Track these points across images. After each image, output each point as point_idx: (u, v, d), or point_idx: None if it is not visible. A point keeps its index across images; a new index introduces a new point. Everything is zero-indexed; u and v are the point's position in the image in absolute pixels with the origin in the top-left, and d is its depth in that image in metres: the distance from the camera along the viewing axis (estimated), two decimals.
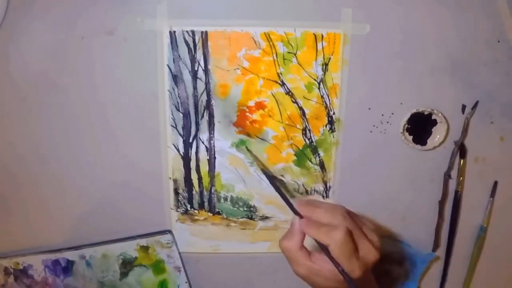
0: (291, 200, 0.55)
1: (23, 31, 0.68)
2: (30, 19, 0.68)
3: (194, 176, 0.75)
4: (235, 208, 0.77)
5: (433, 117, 0.73)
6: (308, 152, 0.75)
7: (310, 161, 0.75)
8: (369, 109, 0.73)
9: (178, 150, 0.73)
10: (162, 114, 0.72)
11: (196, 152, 0.74)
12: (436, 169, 0.77)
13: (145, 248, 0.77)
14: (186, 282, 0.80)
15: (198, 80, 0.71)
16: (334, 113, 0.73)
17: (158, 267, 0.79)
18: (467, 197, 0.78)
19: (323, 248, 0.49)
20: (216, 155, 0.74)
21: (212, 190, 0.76)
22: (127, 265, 0.79)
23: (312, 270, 0.51)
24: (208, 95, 0.71)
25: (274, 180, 0.61)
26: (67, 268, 0.78)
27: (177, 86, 0.71)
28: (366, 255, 0.50)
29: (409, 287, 0.82)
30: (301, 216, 0.52)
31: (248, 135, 0.73)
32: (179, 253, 0.78)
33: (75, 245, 0.77)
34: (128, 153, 0.73)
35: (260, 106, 0.72)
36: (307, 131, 0.74)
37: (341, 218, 0.50)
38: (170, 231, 0.76)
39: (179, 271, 0.79)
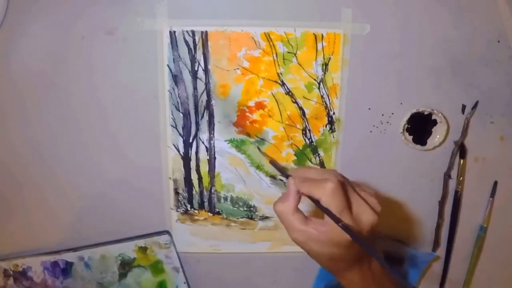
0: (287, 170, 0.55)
1: (23, 31, 0.68)
2: (30, 19, 0.68)
3: (194, 176, 0.75)
4: (235, 208, 0.77)
5: (433, 117, 0.73)
6: (308, 152, 0.75)
7: (310, 161, 0.75)
8: (369, 109, 0.73)
9: (178, 150, 0.73)
10: (162, 114, 0.72)
11: (196, 152, 0.74)
12: (436, 169, 0.77)
13: (143, 249, 0.77)
14: (184, 283, 0.79)
15: (198, 80, 0.71)
16: (334, 113, 0.73)
17: (156, 267, 0.79)
18: (467, 197, 0.79)
19: (316, 203, 0.48)
20: (216, 155, 0.74)
21: (212, 190, 0.75)
22: (126, 266, 0.79)
23: (308, 236, 0.48)
24: (208, 95, 0.71)
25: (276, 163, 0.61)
26: (66, 269, 0.78)
27: (177, 86, 0.71)
28: (361, 213, 0.49)
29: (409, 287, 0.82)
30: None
31: (248, 135, 0.73)
32: (177, 253, 0.77)
33: (74, 247, 0.77)
34: (128, 153, 0.73)
35: (260, 106, 0.72)
36: (307, 131, 0.74)
37: (332, 174, 0.49)
38: (168, 232, 0.76)
39: (178, 272, 0.79)
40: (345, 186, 0.49)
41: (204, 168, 0.75)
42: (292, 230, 0.49)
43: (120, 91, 0.71)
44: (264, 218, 0.77)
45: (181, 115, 0.72)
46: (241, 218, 0.77)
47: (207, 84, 0.71)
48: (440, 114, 0.73)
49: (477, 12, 0.70)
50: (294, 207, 0.49)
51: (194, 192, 0.76)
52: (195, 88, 0.71)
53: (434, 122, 0.74)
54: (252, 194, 0.76)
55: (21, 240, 0.78)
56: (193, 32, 0.69)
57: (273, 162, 0.61)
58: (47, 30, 0.68)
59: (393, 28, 0.70)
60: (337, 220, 0.46)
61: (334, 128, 0.74)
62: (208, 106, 0.72)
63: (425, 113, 0.73)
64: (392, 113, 0.73)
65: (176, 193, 0.76)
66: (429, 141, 0.75)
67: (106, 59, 0.70)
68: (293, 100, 0.72)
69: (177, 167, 0.74)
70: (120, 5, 0.67)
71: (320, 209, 0.48)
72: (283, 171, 0.58)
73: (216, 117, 0.72)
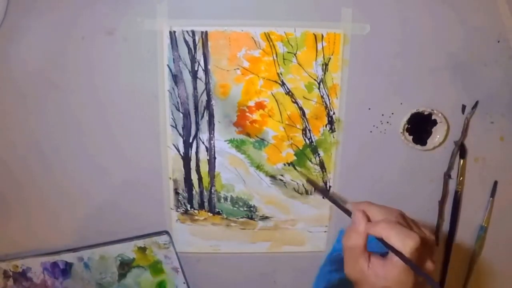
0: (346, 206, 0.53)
1: (23, 31, 0.68)
2: (30, 19, 0.68)
3: (194, 176, 0.75)
4: (235, 208, 0.76)
5: (433, 117, 0.73)
6: (308, 152, 0.75)
7: (310, 161, 0.75)
8: (369, 109, 0.73)
9: (178, 150, 0.73)
10: (162, 114, 0.72)
11: (196, 152, 0.74)
12: (436, 169, 0.77)
13: (142, 249, 0.77)
14: (184, 283, 0.79)
15: (198, 80, 0.71)
16: (334, 113, 0.73)
17: (156, 268, 0.79)
18: (467, 197, 0.79)
19: (391, 248, 0.45)
20: (216, 155, 0.74)
21: (212, 190, 0.75)
22: (125, 266, 0.78)
23: (365, 278, 0.47)
24: (208, 95, 0.71)
25: (327, 192, 0.59)
26: (66, 270, 0.78)
27: (177, 86, 0.71)
28: (427, 267, 0.47)
29: None
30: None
31: (248, 135, 0.73)
32: (177, 253, 0.77)
33: (73, 247, 0.77)
34: (128, 153, 0.73)
35: (260, 106, 0.72)
36: (307, 131, 0.74)
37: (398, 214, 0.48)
38: (167, 232, 0.76)
39: (177, 272, 0.79)
40: (422, 240, 0.46)
41: (204, 168, 0.75)
42: (353, 267, 0.48)
43: (120, 91, 0.71)
44: (264, 218, 0.77)
45: (181, 115, 0.72)
46: (241, 218, 0.77)
47: (207, 84, 0.71)
48: (440, 114, 0.73)
49: (477, 12, 0.70)
50: (364, 246, 0.48)
51: (194, 192, 0.76)
52: (195, 88, 0.71)
53: (434, 122, 0.74)
54: (252, 194, 0.76)
55: (20, 240, 0.78)
56: (193, 32, 0.69)
57: (331, 198, 0.59)
58: (47, 30, 0.68)
59: (393, 28, 0.70)
60: (415, 267, 0.44)
61: (334, 128, 0.74)
62: (208, 106, 0.72)
63: (425, 113, 0.73)
64: (392, 113, 0.74)
65: (176, 193, 0.76)
66: (429, 141, 0.75)
67: (106, 59, 0.70)
68: (293, 100, 0.72)
69: (177, 167, 0.74)
70: (120, 5, 0.68)
71: (394, 253, 0.45)
72: (340, 205, 0.55)
73: (216, 117, 0.72)
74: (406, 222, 0.49)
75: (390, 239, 0.45)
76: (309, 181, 0.61)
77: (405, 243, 0.44)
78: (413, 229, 0.47)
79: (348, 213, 0.52)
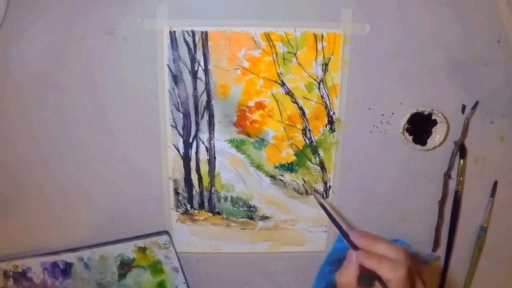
0: (348, 232, 0.57)
1: (23, 31, 0.68)
2: (30, 19, 0.68)
3: (194, 176, 0.75)
4: (235, 208, 0.76)
5: (433, 117, 0.73)
6: (308, 152, 0.75)
7: (310, 161, 0.75)
8: (369, 109, 0.73)
9: (178, 150, 0.73)
10: (162, 114, 0.72)
11: (196, 152, 0.74)
12: (436, 169, 0.77)
13: (142, 249, 0.77)
14: (184, 283, 0.79)
15: (198, 80, 0.71)
16: (334, 113, 0.73)
17: (156, 268, 0.79)
18: (467, 197, 0.79)
19: (381, 282, 0.50)
20: (216, 155, 0.74)
21: (212, 190, 0.75)
22: (125, 266, 0.78)
23: None
24: (208, 95, 0.71)
25: (330, 213, 0.65)
26: (66, 270, 0.78)
27: (177, 86, 0.71)
28: None
29: None
30: (356, 248, 0.53)
31: (248, 135, 0.73)
32: (177, 253, 0.77)
33: (73, 247, 0.77)
34: (128, 153, 0.73)
35: (260, 106, 0.72)
36: (307, 131, 0.74)
37: (403, 255, 0.50)
38: (167, 232, 0.76)
39: (177, 272, 0.79)
40: (412, 271, 0.50)
41: (204, 168, 0.74)
42: None
43: (120, 91, 0.71)
44: (264, 218, 0.77)
45: (181, 115, 0.72)
46: (241, 218, 0.77)
47: (207, 84, 0.71)
48: (440, 114, 0.73)
49: (477, 12, 0.70)
50: (357, 283, 0.51)
51: (194, 192, 0.76)
52: (195, 88, 0.71)
53: (434, 122, 0.74)
54: (252, 194, 0.76)
55: (20, 240, 0.78)
56: (193, 32, 0.69)
57: (334, 221, 0.64)
58: (47, 30, 0.68)
59: (393, 28, 0.70)
60: None
61: (334, 128, 0.74)
62: (208, 106, 0.72)
63: (425, 113, 0.73)
64: (392, 113, 0.73)
65: (176, 193, 0.76)
66: (429, 141, 0.75)
67: (106, 59, 0.70)
68: (293, 100, 0.72)
69: (177, 167, 0.74)
70: (120, 5, 0.68)
71: (381, 284, 0.50)
72: (340, 226, 0.61)
73: (216, 117, 0.72)
74: (410, 259, 0.52)
75: (379, 268, 0.50)
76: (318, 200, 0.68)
77: (395, 271, 0.49)
78: (414, 268, 0.51)
79: (345, 234, 0.56)
